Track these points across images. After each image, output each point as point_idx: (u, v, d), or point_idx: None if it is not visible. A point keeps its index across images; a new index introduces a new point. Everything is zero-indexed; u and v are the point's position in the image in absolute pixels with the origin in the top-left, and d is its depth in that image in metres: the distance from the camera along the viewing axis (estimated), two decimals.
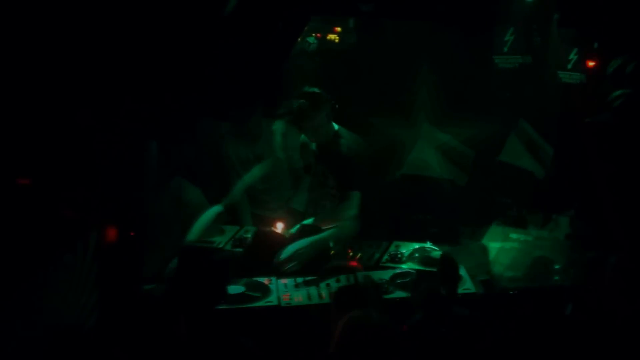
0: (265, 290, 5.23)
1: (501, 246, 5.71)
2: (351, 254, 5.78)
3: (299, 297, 5.16)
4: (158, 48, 5.39)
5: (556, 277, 5.37)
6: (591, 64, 5.80)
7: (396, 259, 5.64)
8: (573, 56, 6.06)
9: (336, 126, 5.89)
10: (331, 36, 7.00)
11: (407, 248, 5.78)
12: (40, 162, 5.04)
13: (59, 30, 5.18)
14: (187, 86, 5.46)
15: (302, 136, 6.17)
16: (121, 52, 5.39)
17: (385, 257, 5.71)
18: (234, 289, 5.18)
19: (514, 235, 5.84)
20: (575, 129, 5.52)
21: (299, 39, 6.68)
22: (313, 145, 6.01)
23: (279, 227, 6.06)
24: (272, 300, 5.11)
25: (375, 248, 5.83)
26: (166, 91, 5.48)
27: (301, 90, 5.78)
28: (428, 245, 5.77)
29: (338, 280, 5.22)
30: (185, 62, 5.41)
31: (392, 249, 5.80)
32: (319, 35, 7.02)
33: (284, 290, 5.22)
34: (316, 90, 5.74)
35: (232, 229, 6.23)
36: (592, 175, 5.41)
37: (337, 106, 5.79)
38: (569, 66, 6.08)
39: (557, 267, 5.41)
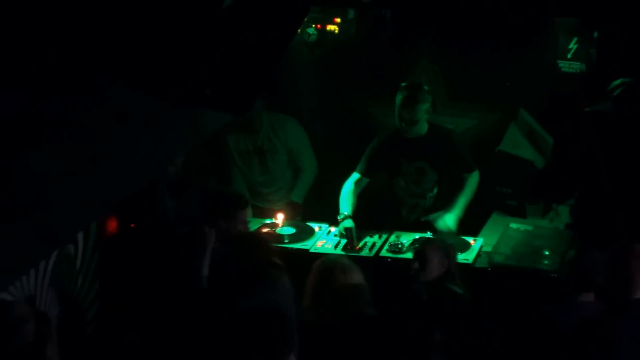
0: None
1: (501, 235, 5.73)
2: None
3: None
4: (158, 40, 5.39)
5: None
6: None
7: (396, 249, 5.65)
8: (573, 45, 6.07)
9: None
10: (331, 27, 6.97)
11: (408, 238, 5.78)
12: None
13: (58, 28, 5.17)
14: (187, 78, 5.46)
15: (375, 140, 6.10)
16: (122, 45, 5.39)
17: (386, 246, 5.72)
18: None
19: (514, 225, 5.84)
20: (575, 118, 5.53)
21: (298, 30, 6.67)
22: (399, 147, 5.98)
23: (279, 218, 6.06)
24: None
25: (376, 238, 5.84)
26: (166, 83, 5.48)
27: (407, 81, 5.89)
28: (428, 235, 5.77)
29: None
30: (185, 54, 5.41)
31: (392, 238, 5.81)
32: (318, 26, 6.99)
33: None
34: (422, 84, 5.87)
35: None
36: (593, 165, 5.41)
37: (433, 108, 5.84)
38: (569, 55, 6.09)
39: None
